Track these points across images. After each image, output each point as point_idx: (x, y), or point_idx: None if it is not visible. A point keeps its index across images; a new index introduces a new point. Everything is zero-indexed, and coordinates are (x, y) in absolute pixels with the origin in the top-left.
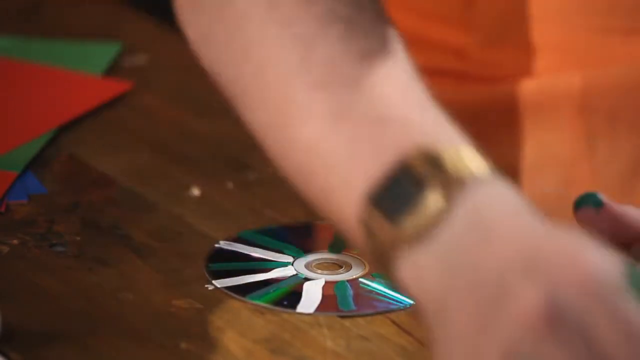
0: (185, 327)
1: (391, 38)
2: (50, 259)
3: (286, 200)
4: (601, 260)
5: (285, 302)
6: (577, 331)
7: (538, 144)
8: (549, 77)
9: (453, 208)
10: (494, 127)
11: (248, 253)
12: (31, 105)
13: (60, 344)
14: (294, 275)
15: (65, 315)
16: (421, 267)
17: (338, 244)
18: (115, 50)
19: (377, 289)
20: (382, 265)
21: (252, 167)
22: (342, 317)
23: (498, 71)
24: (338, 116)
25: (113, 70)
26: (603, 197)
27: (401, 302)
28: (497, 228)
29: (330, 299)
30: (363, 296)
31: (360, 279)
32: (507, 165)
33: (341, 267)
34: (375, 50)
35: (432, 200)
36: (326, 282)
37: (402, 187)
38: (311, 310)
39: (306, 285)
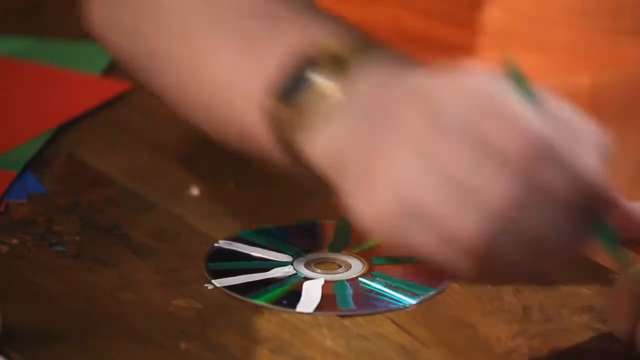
0: (185, 327)
1: None
2: (49, 259)
3: (286, 200)
4: (481, 74)
5: (284, 302)
6: (466, 132)
7: None
8: (558, 78)
9: (347, 83)
10: None
11: (247, 252)
12: (31, 105)
13: (60, 344)
14: (293, 274)
15: (65, 315)
16: (325, 139)
17: (338, 244)
18: None
19: (377, 289)
20: (290, 154)
21: (252, 167)
22: (342, 316)
23: None
24: (238, 41)
25: (113, 70)
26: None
27: (401, 302)
28: (390, 84)
29: (330, 299)
30: (363, 295)
31: (360, 279)
32: None
33: (341, 266)
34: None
35: (325, 80)
36: (326, 281)
37: (297, 72)
38: (311, 309)
39: (306, 284)
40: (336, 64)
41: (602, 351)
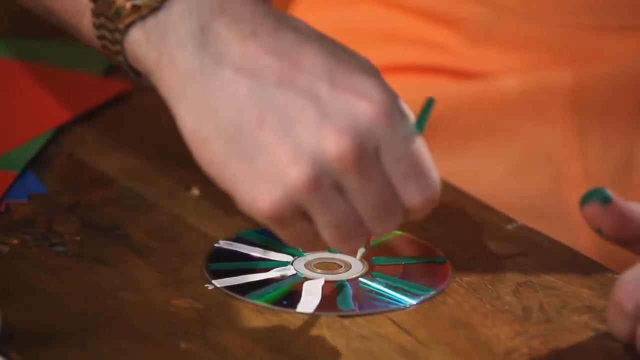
0: (185, 327)
1: None
2: (50, 259)
3: None
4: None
5: (284, 302)
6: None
7: (530, 141)
8: (541, 74)
9: None
10: (486, 123)
11: (248, 252)
12: (31, 105)
13: (60, 343)
14: (293, 274)
15: (65, 315)
16: (150, 31)
17: None
18: None
19: (377, 289)
20: (113, 51)
21: None
22: (342, 316)
23: (487, 68)
24: None
25: (113, 70)
26: (611, 193)
27: (401, 302)
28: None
29: (330, 299)
30: (363, 296)
31: (360, 279)
32: (499, 161)
33: (341, 266)
34: None
35: None
36: (326, 281)
37: None
38: (311, 309)
39: (306, 284)
40: None
41: (602, 351)
